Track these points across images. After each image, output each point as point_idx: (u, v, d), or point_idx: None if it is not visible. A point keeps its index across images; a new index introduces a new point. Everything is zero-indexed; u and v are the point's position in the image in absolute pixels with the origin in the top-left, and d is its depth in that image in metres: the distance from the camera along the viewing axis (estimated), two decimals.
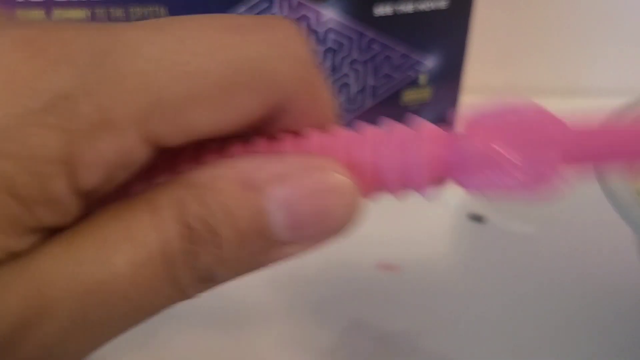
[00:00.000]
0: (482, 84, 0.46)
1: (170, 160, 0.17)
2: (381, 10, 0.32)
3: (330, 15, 0.32)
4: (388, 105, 0.36)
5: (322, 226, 0.17)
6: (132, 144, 0.15)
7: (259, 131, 0.18)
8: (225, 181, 0.16)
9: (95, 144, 0.14)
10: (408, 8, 0.33)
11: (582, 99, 0.47)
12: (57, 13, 0.30)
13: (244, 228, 0.15)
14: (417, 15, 0.33)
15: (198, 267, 0.15)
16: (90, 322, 0.15)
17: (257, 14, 0.31)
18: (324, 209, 0.16)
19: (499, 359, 0.32)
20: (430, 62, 0.35)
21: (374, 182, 0.18)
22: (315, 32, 0.32)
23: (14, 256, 0.14)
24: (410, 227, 0.38)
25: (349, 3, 0.32)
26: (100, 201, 0.15)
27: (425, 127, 0.17)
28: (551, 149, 0.17)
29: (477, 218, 0.38)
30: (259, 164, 0.16)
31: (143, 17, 0.31)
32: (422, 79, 0.36)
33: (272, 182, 0.16)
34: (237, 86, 0.16)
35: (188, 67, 0.15)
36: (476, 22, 0.36)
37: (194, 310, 0.33)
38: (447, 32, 0.34)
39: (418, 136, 0.17)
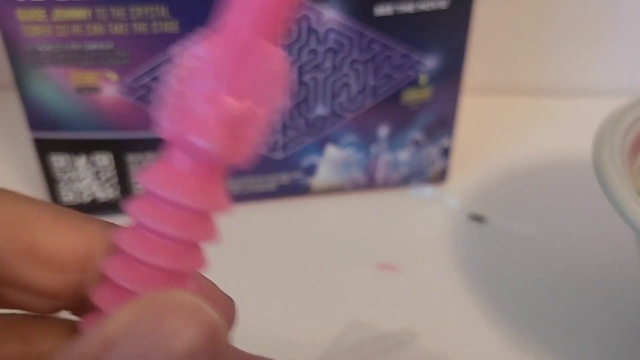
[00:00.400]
0: (482, 84, 0.46)
1: None
2: (381, 10, 0.32)
3: (330, 15, 0.32)
4: (388, 105, 0.36)
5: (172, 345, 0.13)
6: None
7: None
8: None
9: None
10: (408, 8, 0.33)
11: (582, 99, 0.47)
12: (58, 13, 0.30)
13: None
14: (417, 15, 0.33)
15: None
16: None
17: None
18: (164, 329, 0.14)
19: (499, 358, 0.32)
20: (430, 62, 0.35)
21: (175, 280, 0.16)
22: (315, 32, 0.32)
23: None
24: (410, 227, 0.38)
25: (349, 3, 0.32)
26: None
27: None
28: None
29: (477, 218, 0.38)
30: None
31: (144, 17, 0.31)
32: (422, 79, 0.36)
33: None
34: None
35: None
36: (476, 22, 0.36)
37: None
38: (447, 32, 0.34)
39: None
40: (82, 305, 0.17)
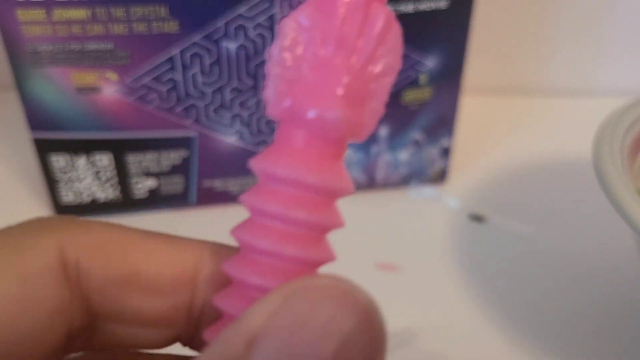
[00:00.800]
0: (482, 84, 0.46)
1: None
2: None
3: None
4: (388, 105, 0.36)
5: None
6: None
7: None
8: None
9: None
10: (408, 8, 0.33)
11: (582, 99, 0.47)
12: (57, 13, 0.30)
13: None
14: (417, 15, 0.33)
15: None
16: None
17: (258, 14, 0.31)
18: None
19: (499, 358, 0.32)
20: (430, 62, 0.35)
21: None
22: None
23: None
24: (410, 227, 0.38)
25: None
26: None
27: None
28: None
29: (477, 218, 0.38)
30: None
31: (144, 17, 0.31)
32: (422, 79, 0.36)
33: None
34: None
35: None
36: (476, 22, 0.36)
37: None
38: (447, 32, 0.34)
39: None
40: (196, 332, 0.16)
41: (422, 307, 0.34)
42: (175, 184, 0.36)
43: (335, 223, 0.15)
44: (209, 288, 0.15)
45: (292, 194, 0.14)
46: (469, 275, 0.35)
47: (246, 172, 0.37)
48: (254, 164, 0.14)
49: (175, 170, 0.36)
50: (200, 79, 0.33)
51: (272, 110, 0.14)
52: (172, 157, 0.35)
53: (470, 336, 0.32)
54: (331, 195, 0.14)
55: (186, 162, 0.36)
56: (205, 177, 0.37)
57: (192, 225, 0.37)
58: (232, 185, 0.37)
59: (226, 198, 0.37)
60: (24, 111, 0.33)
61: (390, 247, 0.37)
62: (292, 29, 0.14)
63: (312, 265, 0.15)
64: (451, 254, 0.36)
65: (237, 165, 0.36)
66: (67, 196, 0.36)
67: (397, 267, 0.35)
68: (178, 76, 0.33)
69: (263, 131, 0.35)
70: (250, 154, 0.35)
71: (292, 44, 0.14)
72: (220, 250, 0.16)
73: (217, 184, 0.37)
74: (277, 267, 0.14)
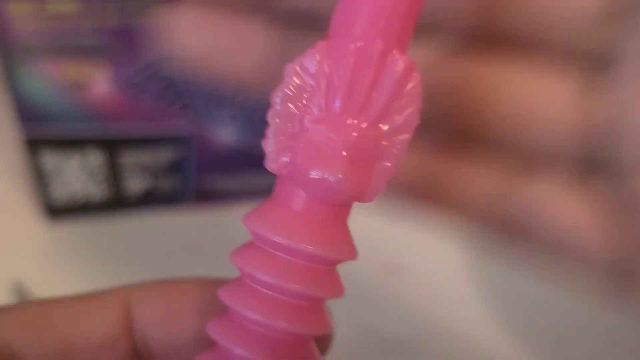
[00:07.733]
0: None
1: None
2: None
3: None
4: None
5: None
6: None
7: None
8: None
9: None
10: None
11: None
12: (51, 7, 0.29)
13: None
14: None
15: None
16: None
17: None
18: None
19: None
20: None
21: None
22: None
23: None
24: (415, 230, 0.37)
25: None
26: None
27: None
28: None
29: None
30: None
31: (139, 11, 0.30)
32: None
33: None
34: None
35: None
36: None
37: None
38: None
39: None
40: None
41: (426, 311, 0.33)
42: (171, 183, 0.36)
43: (333, 293, 0.14)
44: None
45: (288, 262, 0.13)
46: (474, 277, 0.35)
47: (245, 170, 0.36)
48: (248, 221, 0.13)
49: (171, 169, 0.35)
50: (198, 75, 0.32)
51: (271, 164, 0.13)
52: (169, 155, 0.35)
53: (476, 339, 0.32)
54: (332, 263, 0.14)
55: (183, 160, 0.35)
56: (202, 176, 0.36)
57: (188, 225, 0.36)
58: (230, 184, 0.37)
59: (224, 197, 0.37)
60: (15, 109, 0.32)
61: (395, 250, 0.36)
62: (297, 75, 0.13)
63: (303, 339, 0.14)
64: (456, 257, 0.36)
65: (235, 164, 0.36)
66: (60, 197, 0.35)
67: (403, 271, 0.35)
68: (175, 72, 0.32)
69: (263, 130, 0.35)
70: (249, 153, 0.35)
71: (295, 93, 0.13)
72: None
73: (215, 183, 0.37)
74: (266, 338, 0.14)
